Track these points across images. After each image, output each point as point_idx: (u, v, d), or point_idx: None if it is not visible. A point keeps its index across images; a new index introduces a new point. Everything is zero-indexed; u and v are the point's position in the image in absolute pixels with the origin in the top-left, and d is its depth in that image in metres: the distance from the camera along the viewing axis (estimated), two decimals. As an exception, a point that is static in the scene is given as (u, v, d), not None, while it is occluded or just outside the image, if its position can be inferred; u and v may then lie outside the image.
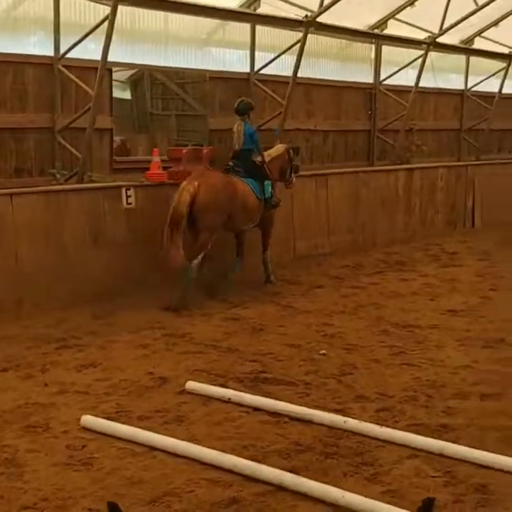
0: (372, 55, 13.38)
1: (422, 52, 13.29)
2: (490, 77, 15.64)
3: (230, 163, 9.27)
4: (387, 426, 5.03)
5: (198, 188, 8.43)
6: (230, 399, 5.50)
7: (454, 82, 15.53)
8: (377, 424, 5.04)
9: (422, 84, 13.65)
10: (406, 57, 13.60)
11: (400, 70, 13.51)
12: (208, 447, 4.57)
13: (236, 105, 9.30)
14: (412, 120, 13.86)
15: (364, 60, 13.38)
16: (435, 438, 4.82)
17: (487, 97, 15.81)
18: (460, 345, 7.11)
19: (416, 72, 13.39)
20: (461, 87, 15.59)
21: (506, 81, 15.76)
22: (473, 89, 15.67)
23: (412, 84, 13.43)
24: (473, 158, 15.80)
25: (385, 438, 4.83)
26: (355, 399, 5.66)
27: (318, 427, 5.04)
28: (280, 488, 4.12)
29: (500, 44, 15.07)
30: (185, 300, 8.33)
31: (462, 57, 15.30)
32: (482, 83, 15.63)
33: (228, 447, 4.66)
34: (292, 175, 9.96)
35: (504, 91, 15.94)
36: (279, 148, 9.87)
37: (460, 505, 4.03)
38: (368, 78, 13.42)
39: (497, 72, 15.68)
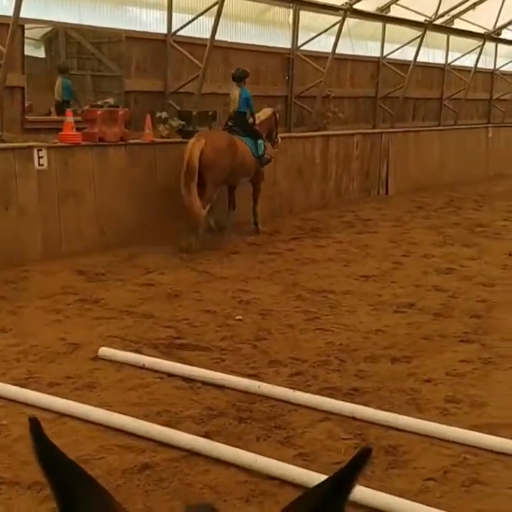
0: (291, 20, 13.31)
1: (339, 18, 13.32)
2: (405, 45, 15.81)
3: (229, 124, 10.22)
4: (301, 390, 5.09)
5: (205, 146, 9.23)
6: (144, 365, 5.46)
7: (371, 49, 15.64)
8: (291, 388, 5.09)
9: (339, 50, 13.70)
10: (324, 23, 13.59)
11: (318, 36, 13.50)
12: (121, 413, 4.53)
13: (233, 72, 10.20)
14: (329, 87, 13.92)
15: (282, 25, 13.31)
16: (347, 401, 4.91)
17: (403, 65, 16.00)
18: (372, 310, 7.23)
19: (333, 39, 13.42)
20: (378, 54, 15.72)
21: (421, 49, 15.97)
22: (389, 57, 15.82)
23: (330, 50, 13.46)
24: (389, 126, 16.01)
25: (298, 402, 4.88)
26: (270, 364, 5.70)
27: (232, 392, 5.06)
28: (193, 453, 4.13)
29: (416, 12, 15.24)
30: (194, 244, 9.34)
31: (379, 25, 15.41)
32: (398, 51, 15.79)
33: (141, 413, 4.62)
34: (278, 136, 10.96)
35: (419, 59, 16.17)
36: (266, 111, 10.77)
37: (371, 467, 4.11)
38: (286, 43, 13.36)
39: (412, 41, 15.86)
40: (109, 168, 9.35)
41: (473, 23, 17.62)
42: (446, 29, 17.24)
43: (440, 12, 15.64)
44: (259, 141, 10.28)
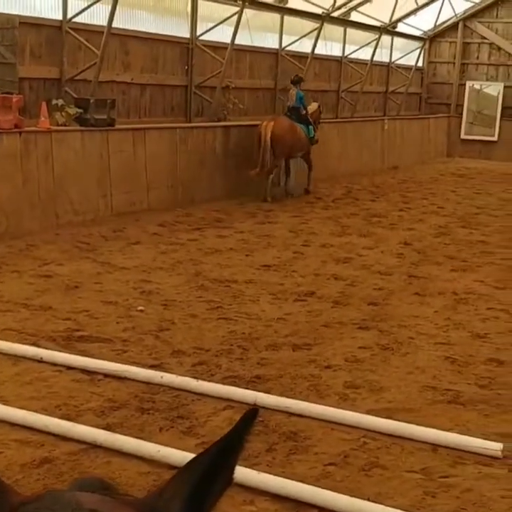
0: (189, 9, 13.22)
1: (237, 8, 13.33)
2: (303, 37, 15.97)
3: (288, 114, 13.65)
4: (204, 379, 5.08)
5: (274, 127, 12.60)
6: (41, 358, 5.32)
7: (270, 41, 15.73)
8: (194, 377, 5.08)
9: (238, 41, 13.72)
10: (222, 13, 13.58)
11: (216, 26, 13.46)
12: (18, 408, 4.41)
13: (292, 78, 13.84)
14: (229, 77, 13.93)
15: (181, 14, 13.21)
16: (249, 389, 4.94)
17: (301, 57, 16.17)
18: (274, 299, 7.30)
19: (232, 29, 13.42)
20: (276, 46, 15.82)
21: (319, 42, 16.17)
22: (288, 48, 15.94)
23: (229, 41, 13.46)
24: (288, 117, 16.13)
25: (201, 391, 4.88)
26: (173, 354, 5.67)
27: (134, 384, 5.00)
28: (94, 446, 4.06)
29: (314, 4, 15.42)
30: (267, 195, 12.82)
31: (277, 16, 15.51)
32: (296, 43, 15.94)
33: (40, 407, 4.51)
34: (319, 122, 14.43)
35: (317, 52, 16.38)
36: (313, 105, 14.23)
37: (273, 454, 4.16)
38: (185, 33, 13.27)
39: (310, 33, 16.04)
40: (2, 155, 9.06)
41: (370, 16, 18.00)
42: (344, 22, 17.54)
43: (337, 4, 15.88)
44: (310, 127, 13.66)
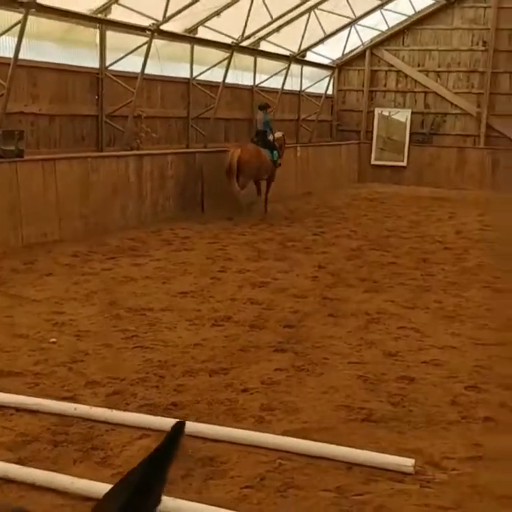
0: (98, 39, 13.20)
1: (147, 38, 13.39)
2: (214, 66, 16.13)
3: (254, 139, 14.84)
4: (119, 409, 5.03)
5: (241, 153, 13.91)
6: (-51, 395, 5.17)
7: (181, 70, 15.83)
8: (108, 408, 5.02)
9: (148, 71, 13.76)
10: (132, 43, 13.61)
11: (125, 56, 13.46)
12: None
13: (259, 104, 15.26)
14: (140, 107, 13.94)
15: (89, 45, 13.16)
16: (166, 416, 4.91)
17: (212, 86, 16.32)
18: (191, 325, 7.29)
19: (142, 59, 13.47)
20: (187, 75, 15.93)
21: (230, 71, 16.37)
22: (199, 78, 16.07)
23: (139, 70, 13.48)
24: (202, 146, 16.24)
25: (116, 421, 4.83)
26: (86, 385, 5.59)
27: (47, 417, 4.91)
28: (7, 480, 3.96)
29: (223, 34, 15.63)
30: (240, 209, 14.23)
31: (187, 46, 15.64)
32: (207, 72, 16.08)
33: None
34: (283, 150, 15.64)
35: (228, 81, 16.56)
36: (278, 133, 15.50)
37: (189, 479, 4.15)
38: (94, 63, 13.23)
39: (220, 62, 16.23)
40: None
41: (279, 46, 18.35)
42: (253, 51, 17.82)
43: (246, 34, 16.13)
44: (274, 151, 14.89)
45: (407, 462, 4.39)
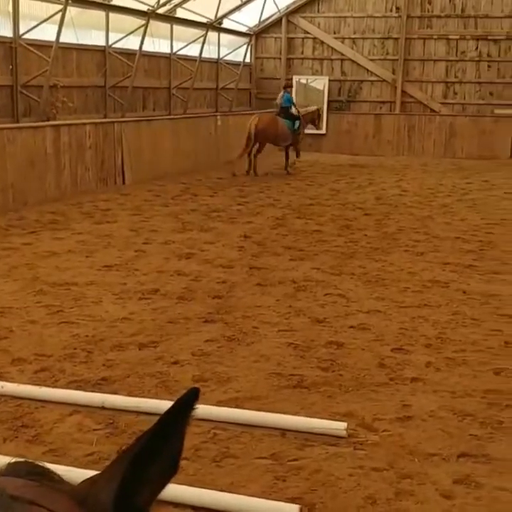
0: (10, 8, 12.73)
1: (61, 6, 12.98)
2: (130, 34, 15.81)
3: (277, 111, 17.23)
4: (47, 386, 4.93)
5: (258, 122, 16.26)
6: None
7: (96, 38, 15.45)
8: (37, 385, 4.92)
9: (63, 39, 13.38)
10: (46, 11, 13.19)
11: (40, 25, 13.05)
12: None
13: (285, 84, 18.21)
14: (56, 76, 13.56)
15: (2, 13, 12.69)
16: (96, 392, 4.84)
17: (129, 54, 16.01)
18: (117, 299, 7.19)
19: (57, 28, 13.07)
20: (103, 43, 15.56)
21: (147, 39, 16.08)
22: (115, 46, 15.73)
23: (54, 39, 13.09)
24: (120, 116, 15.95)
25: (45, 398, 4.74)
26: (13, 363, 5.46)
27: (-27, 397, 4.77)
28: None
29: (139, 1, 15.31)
30: (257, 170, 16.89)
31: (102, 14, 15.25)
32: (124, 40, 15.75)
33: None
34: (319, 121, 19.06)
35: (145, 48, 16.27)
36: (312, 107, 18.47)
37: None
38: (8, 32, 12.77)
39: (136, 30, 15.91)
40: None
41: (196, 13, 18.11)
42: (169, 18, 17.53)
43: (162, 1, 15.85)
44: (296, 122, 17.08)
45: (339, 426, 4.46)
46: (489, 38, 21.31)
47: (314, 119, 18.25)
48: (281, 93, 17.46)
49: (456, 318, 6.76)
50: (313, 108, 18.37)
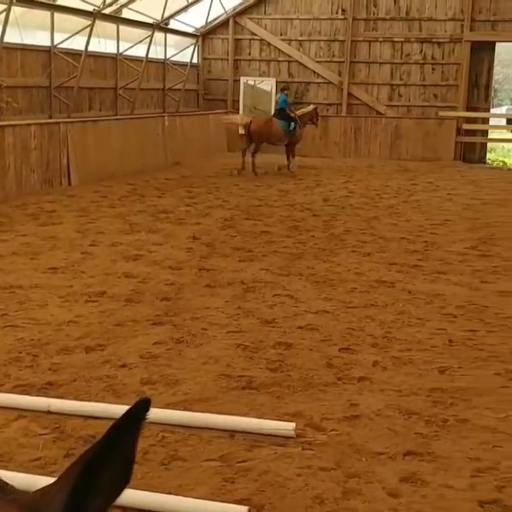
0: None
1: (5, 6, 12.78)
2: (75, 34, 15.64)
3: (274, 113, 18.26)
4: (-8, 391, 4.85)
5: (251, 124, 17.28)
6: None
7: (41, 38, 15.24)
8: (-19, 391, 4.83)
9: (8, 39, 13.17)
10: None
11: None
12: None
13: (281, 88, 18.94)
14: (0, 76, 13.33)
15: None
16: (42, 396, 4.78)
17: (75, 54, 15.83)
18: (63, 302, 7.10)
19: (1, 27, 12.85)
20: (48, 43, 15.36)
21: (93, 39, 15.92)
22: (61, 46, 15.54)
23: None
24: (66, 116, 15.76)
25: (-10, 404, 4.65)
26: (-44, 368, 5.35)
27: None
28: None
29: (84, 1, 15.15)
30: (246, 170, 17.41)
31: (47, 13, 15.06)
32: (69, 40, 15.58)
33: None
34: (318, 120, 18.82)
35: (91, 49, 16.11)
36: (310, 107, 18.70)
37: (71, 459, 4.04)
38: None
39: (82, 30, 15.74)
40: None
41: (142, 13, 18.00)
42: (116, 18, 17.40)
43: (108, 1, 15.71)
44: (292, 123, 17.67)
45: (288, 426, 4.48)
46: (433, 40, 21.68)
47: (312, 118, 18.53)
48: (278, 96, 18.51)
49: (401, 317, 6.85)
50: (310, 108, 18.66)
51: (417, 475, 4.05)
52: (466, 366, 5.65)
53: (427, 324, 6.66)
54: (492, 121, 25.16)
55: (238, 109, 22.88)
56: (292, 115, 17.94)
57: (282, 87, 18.90)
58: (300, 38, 22.60)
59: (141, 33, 18.75)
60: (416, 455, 4.27)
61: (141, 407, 0.87)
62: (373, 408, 4.88)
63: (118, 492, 0.87)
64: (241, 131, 17.77)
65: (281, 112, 17.96)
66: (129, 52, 18.54)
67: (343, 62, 22.31)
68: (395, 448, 4.34)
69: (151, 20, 18.67)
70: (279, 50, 22.79)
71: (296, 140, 18.19)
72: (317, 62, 22.58)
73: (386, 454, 4.27)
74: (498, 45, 22.65)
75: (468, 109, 21.65)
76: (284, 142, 18.02)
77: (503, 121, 33.85)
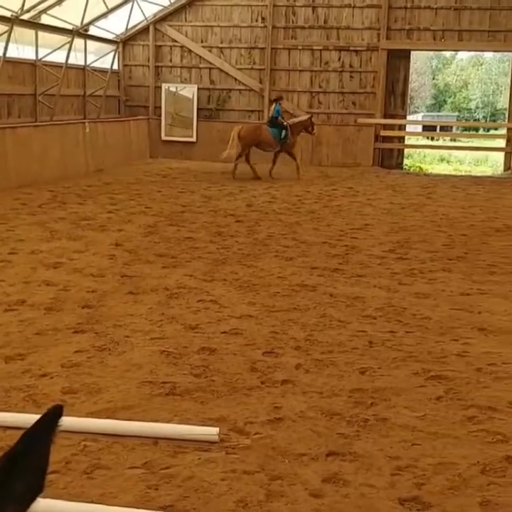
0: None
1: None
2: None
3: (267, 121, 19.21)
4: None
5: (240, 130, 18.19)
6: None
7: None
8: None
9: None
10: None
11: None
12: None
13: (274, 98, 19.42)
14: None
15: None
16: (-41, 408, 4.67)
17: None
18: (-19, 312, 6.95)
19: None
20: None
21: (11, 45, 15.62)
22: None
23: None
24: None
25: None
26: None
27: None
28: None
29: (2, 7, 14.86)
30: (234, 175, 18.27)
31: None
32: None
33: None
34: (314, 129, 19.16)
35: (9, 55, 15.80)
36: (304, 116, 19.29)
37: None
38: None
39: (0, 36, 15.44)
40: None
41: (61, 19, 17.75)
42: (34, 24, 17.10)
43: (26, 7, 15.44)
44: (283, 131, 18.41)
45: (212, 431, 4.50)
46: (351, 49, 22.08)
47: (307, 126, 18.91)
48: (273, 105, 19.03)
49: (323, 320, 6.96)
50: (305, 117, 19.20)
51: (339, 475, 4.13)
52: (385, 367, 5.78)
53: (347, 326, 6.78)
54: (409, 128, 25.83)
55: (160, 116, 22.82)
56: (284, 123, 18.59)
57: (276, 98, 19.31)
58: (221, 45, 22.68)
59: (61, 39, 18.48)
60: (338, 455, 4.35)
61: (53, 415, 0.87)
62: (296, 410, 4.94)
63: (31, 501, 0.87)
64: (233, 138, 18.20)
65: (273, 121, 18.70)
66: (49, 59, 18.24)
67: (264, 69, 22.49)
68: (318, 449, 4.41)
69: (70, 27, 18.43)
70: (200, 57, 22.80)
71: (288, 147, 18.79)
72: (238, 69, 22.69)
73: (309, 455, 4.34)
74: (413, 53, 23.29)
75: (386, 116, 22.13)
76: (275, 149, 18.69)
77: (420, 128, 34.77)
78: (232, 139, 18.16)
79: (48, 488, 3.75)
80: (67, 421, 4.41)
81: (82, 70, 20.55)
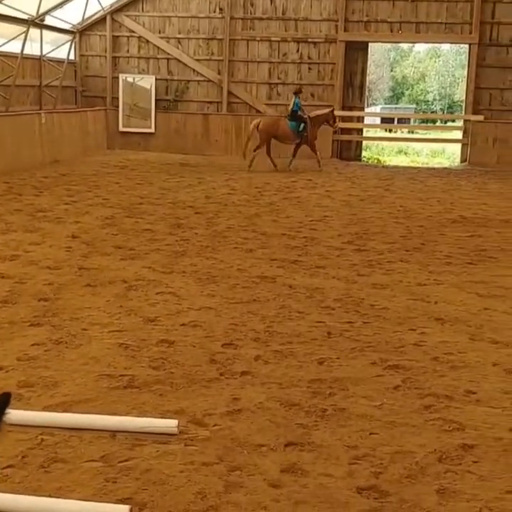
0: None
1: None
2: None
3: (287, 114, 19.16)
4: None
5: (259, 123, 18.81)
6: None
7: None
8: None
9: None
10: None
11: None
12: None
13: (295, 90, 19.38)
14: None
15: None
16: None
17: None
18: None
19: None
20: None
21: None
22: None
23: None
24: None
25: None
26: None
27: None
28: None
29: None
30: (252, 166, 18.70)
31: None
32: None
33: None
34: (336, 121, 19.57)
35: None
36: (325, 110, 19.41)
37: None
38: None
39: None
40: None
41: (16, 9, 17.46)
42: (-12, 13, 16.81)
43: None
44: (302, 124, 18.79)
45: (170, 423, 4.48)
46: (309, 40, 22.11)
47: (328, 119, 19.20)
48: (293, 99, 19.14)
49: (283, 311, 6.97)
50: (326, 110, 19.38)
51: (297, 465, 4.14)
52: (343, 357, 5.82)
53: (306, 317, 6.81)
54: (367, 120, 25.98)
55: (117, 107, 22.62)
56: (304, 117, 18.90)
57: (296, 91, 19.44)
58: (179, 36, 22.55)
59: (16, 29, 18.18)
60: (296, 445, 4.36)
61: (1, 402, 0.85)
62: (255, 401, 4.94)
63: None
64: (252, 131, 18.82)
65: (293, 114, 19.00)
66: (3, 49, 17.94)
67: (222, 60, 22.43)
68: (276, 439, 4.42)
69: (26, 16, 18.14)
70: (157, 47, 22.66)
71: (308, 139, 19.05)
72: (196, 60, 22.59)
73: (267, 445, 4.35)
74: (371, 45, 23.41)
75: (344, 108, 22.25)
76: (294, 141, 19.08)
77: (378, 120, 35.01)
78: (251, 131, 18.85)
79: (4, 483, 3.71)
80: (23, 415, 4.38)
81: (38, 60, 20.26)
